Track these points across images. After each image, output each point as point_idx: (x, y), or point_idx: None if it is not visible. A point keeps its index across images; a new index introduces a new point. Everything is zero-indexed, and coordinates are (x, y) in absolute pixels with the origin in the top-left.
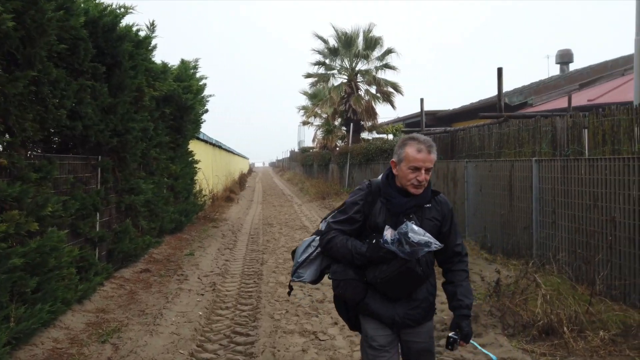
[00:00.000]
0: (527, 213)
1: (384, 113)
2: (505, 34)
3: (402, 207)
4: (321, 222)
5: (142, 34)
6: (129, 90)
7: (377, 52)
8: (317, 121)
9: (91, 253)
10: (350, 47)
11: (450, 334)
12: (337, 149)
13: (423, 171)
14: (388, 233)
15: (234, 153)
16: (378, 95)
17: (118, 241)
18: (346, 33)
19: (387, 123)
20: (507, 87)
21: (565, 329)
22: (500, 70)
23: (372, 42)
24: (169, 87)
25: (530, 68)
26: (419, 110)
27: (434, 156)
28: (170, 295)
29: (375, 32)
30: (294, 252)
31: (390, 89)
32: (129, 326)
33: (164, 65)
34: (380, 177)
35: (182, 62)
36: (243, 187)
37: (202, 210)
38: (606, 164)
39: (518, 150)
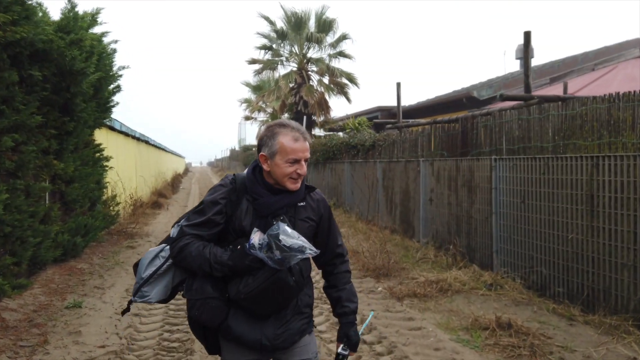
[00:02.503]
0: (631, 241)
1: (337, 108)
2: (457, 31)
3: (271, 208)
4: (173, 226)
5: None
6: None
7: (330, 38)
8: (262, 116)
9: None
10: (300, 29)
11: (339, 350)
12: None
13: (304, 162)
14: (255, 237)
15: (166, 150)
16: (332, 86)
17: None
18: (296, 13)
19: (342, 119)
20: (465, 83)
21: None
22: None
23: (325, 25)
24: (36, 32)
25: (487, 64)
26: (374, 105)
27: (309, 145)
28: None
29: (330, 15)
30: (136, 266)
31: (345, 80)
32: None
33: None
34: (246, 171)
35: (70, 4)
36: (176, 190)
37: (115, 224)
38: None
39: (603, 141)
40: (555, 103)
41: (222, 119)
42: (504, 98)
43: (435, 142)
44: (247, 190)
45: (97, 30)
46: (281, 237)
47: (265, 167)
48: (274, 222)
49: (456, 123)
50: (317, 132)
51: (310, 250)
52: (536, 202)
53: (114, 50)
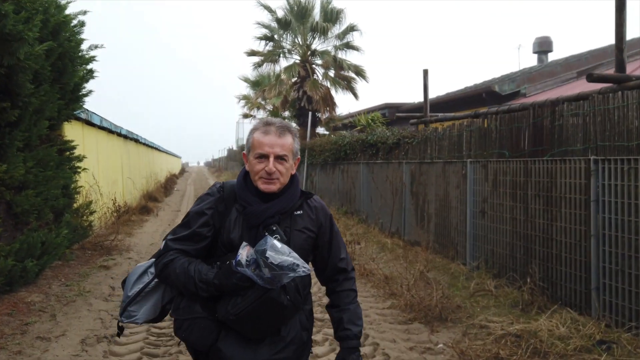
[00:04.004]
0: None
1: (341, 105)
2: (467, 26)
3: (260, 217)
4: (163, 240)
5: None
6: None
7: (337, 29)
8: (261, 114)
9: None
10: (304, 19)
11: None
12: None
13: (272, 159)
14: (244, 252)
15: (160, 150)
16: (339, 80)
17: None
18: (300, 2)
19: (346, 117)
20: (475, 80)
21: None
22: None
23: (332, 15)
24: None
25: (500, 59)
26: (381, 102)
27: (288, 140)
28: None
29: (336, 4)
30: (124, 283)
31: (352, 74)
32: None
33: None
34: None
35: None
36: (170, 192)
37: (89, 237)
38: None
39: None
40: None
41: (219, 117)
42: (593, 79)
43: (489, 139)
44: (237, 199)
45: None
46: (268, 253)
47: (247, 167)
48: (265, 235)
49: (524, 111)
50: (321, 130)
51: (304, 268)
52: None
53: (82, 23)
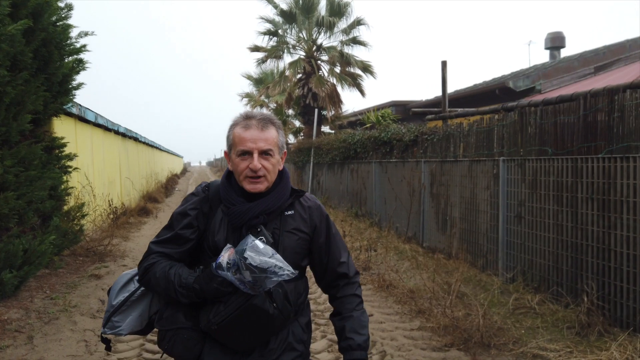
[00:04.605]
0: None
1: (346, 102)
2: (475, 21)
3: (243, 217)
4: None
5: None
6: None
7: (343, 23)
8: (264, 112)
9: None
10: (310, 12)
11: None
12: (294, 142)
13: (256, 155)
14: (225, 255)
15: (161, 149)
16: (345, 77)
17: None
18: None
19: (352, 115)
20: (485, 76)
21: None
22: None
23: (338, 8)
24: None
25: (508, 56)
26: (388, 100)
27: (272, 134)
28: None
29: None
30: (109, 292)
31: (359, 71)
32: None
33: None
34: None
35: None
36: (171, 192)
37: (80, 242)
38: None
39: None
40: None
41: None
42: None
43: (526, 134)
44: (221, 199)
45: None
46: (247, 253)
47: (229, 166)
48: (249, 235)
49: (572, 102)
50: (325, 129)
51: (288, 271)
52: None
53: (69, 7)
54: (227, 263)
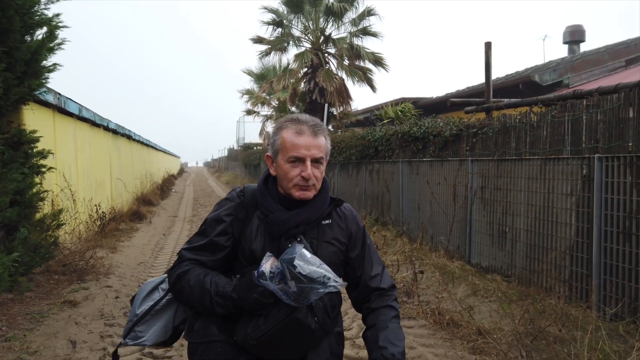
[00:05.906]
0: None
1: (356, 98)
2: (485, 18)
3: (283, 226)
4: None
5: None
6: None
7: (353, 13)
8: (266, 110)
9: None
10: (317, 0)
11: None
12: None
13: (308, 162)
14: (268, 264)
15: (156, 149)
16: (355, 70)
17: None
18: None
19: (360, 112)
20: (498, 73)
21: None
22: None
23: None
24: None
25: (520, 51)
26: (398, 96)
27: (322, 141)
28: None
29: None
30: (132, 300)
31: (369, 65)
32: None
33: None
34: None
35: None
36: (167, 194)
37: (54, 257)
38: None
39: None
40: None
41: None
42: None
43: (631, 125)
44: (258, 205)
45: None
46: (296, 262)
47: (271, 171)
48: (289, 245)
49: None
50: (330, 128)
51: (336, 282)
52: None
53: None
54: (270, 272)
